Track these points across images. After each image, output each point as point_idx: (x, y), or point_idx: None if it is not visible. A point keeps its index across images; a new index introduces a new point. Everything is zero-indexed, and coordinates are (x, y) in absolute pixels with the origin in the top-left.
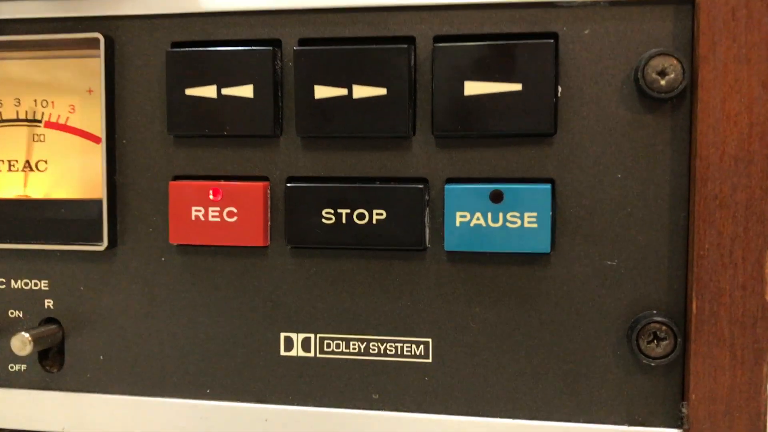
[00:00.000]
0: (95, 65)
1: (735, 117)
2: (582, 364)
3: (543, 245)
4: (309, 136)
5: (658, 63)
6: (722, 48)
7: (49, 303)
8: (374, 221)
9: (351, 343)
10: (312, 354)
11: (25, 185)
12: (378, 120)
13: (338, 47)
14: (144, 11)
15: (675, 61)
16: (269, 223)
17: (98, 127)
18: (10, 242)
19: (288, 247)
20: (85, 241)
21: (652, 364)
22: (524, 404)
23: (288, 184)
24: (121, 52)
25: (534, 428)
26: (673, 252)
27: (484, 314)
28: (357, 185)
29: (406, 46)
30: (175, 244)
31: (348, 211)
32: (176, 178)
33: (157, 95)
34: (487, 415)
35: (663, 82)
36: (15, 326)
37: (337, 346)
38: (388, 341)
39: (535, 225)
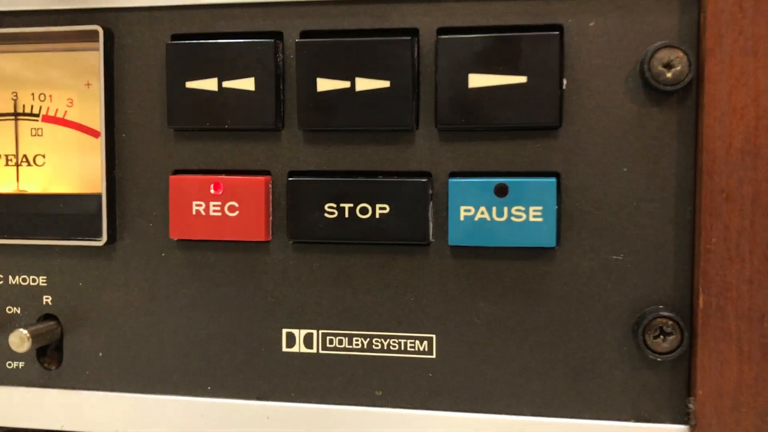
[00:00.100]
0: (94, 58)
1: (741, 110)
2: (587, 360)
3: (548, 239)
4: (311, 129)
5: (664, 55)
6: (729, 40)
7: (47, 299)
8: (377, 216)
9: (354, 339)
10: (314, 350)
11: (22, 180)
12: (381, 113)
13: (341, 39)
14: (144, 3)
15: (681, 54)
16: (271, 217)
17: (97, 121)
18: (8, 237)
19: (290, 242)
20: (84, 237)
21: (659, 360)
22: (529, 400)
23: (290, 178)
24: (121, 44)
25: (539, 425)
26: (679, 246)
27: (489, 309)
28: (360, 179)
29: (409, 38)
30: (176, 239)
31: (351, 205)
32: (176, 172)
33: (156, 88)
34: (492, 412)
35: (669, 75)
36: (13, 323)
37: (340, 342)
38: (391, 337)
39: (540, 219)
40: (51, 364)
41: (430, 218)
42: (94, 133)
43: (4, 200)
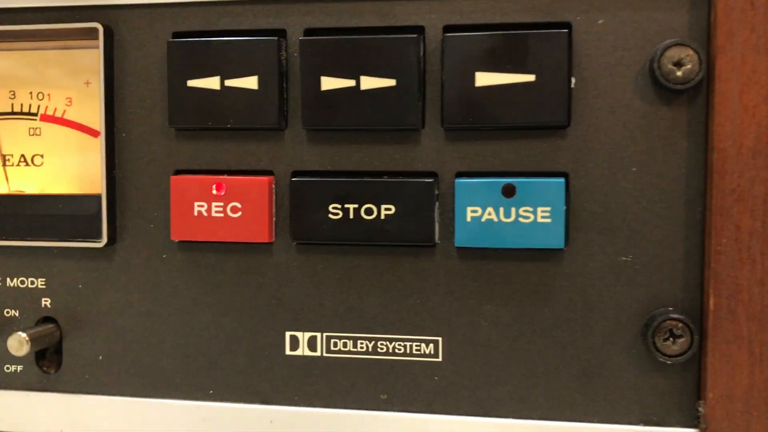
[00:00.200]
0: (93, 56)
1: (753, 109)
2: (596, 363)
3: (557, 240)
4: (315, 128)
5: (674, 53)
6: (740, 38)
7: (46, 302)
8: (382, 216)
9: (358, 342)
10: (318, 353)
11: (20, 180)
12: (386, 112)
13: (346, 37)
14: (144, 0)
15: (691, 52)
16: (274, 218)
17: (96, 121)
18: (6, 239)
19: (293, 244)
20: (84, 238)
21: (668, 362)
22: (537, 404)
23: (293, 179)
24: (121, 42)
25: (547, 428)
26: (689, 247)
27: (496, 312)
28: (365, 179)
29: (415, 35)
30: (177, 240)
31: (355, 206)
32: (178, 172)
33: (157, 87)
34: (499, 416)
35: (679, 73)
36: (11, 326)
37: (344, 345)
38: (396, 340)
39: (548, 220)
40: (50, 367)
41: (436, 219)
42: (94, 133)
43: (2, 201)
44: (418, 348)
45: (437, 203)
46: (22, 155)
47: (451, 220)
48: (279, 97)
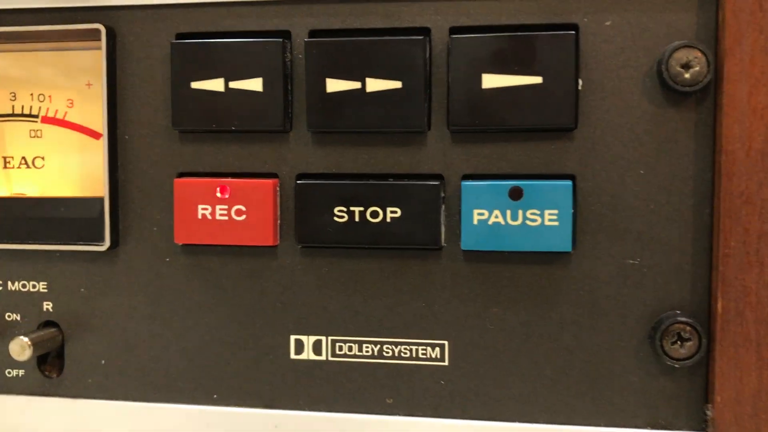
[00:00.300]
0: (95, 58)
1: (761, 111)
2: (603, 366)
3: (564, 244)
4: (320, 131)
5: (682, 55)
6: (749, 40)
7: (48, 305)
8: (388, 219)
9: (364, 345)
10: (323, 357)
11: (22, 183)
12: (392, 114)
13: (351, 39)
14: (147, 1)
15: (699, 54)
16: (279, 221)
17: (98, 123)
18: (7, 242)
19: (298, 247)
20: (86, 241)
21: (676, 366)
22: (544, 408)
23: (298, 181)
24: (123, 43)
25: None
26: (697, 250)
27: (503, 315)
28: (370, 182)
29: (421, 37)
30: (181, 243)
31: (361, 209)
32: (181, 175)
33: (160, 89)
34: (506, 420)
35: (687, 75)
36: (12, 330)
37: (350, 349)
38: (402, 344)
39: (556, 223)
40: (52, 371)
41: (443, 222)
42: (95, 135)
43: (3, 204)
44: (424, 352)
45: (443, 206)
46: (23, 157)
47: (457, 223)
48: (284, 99)
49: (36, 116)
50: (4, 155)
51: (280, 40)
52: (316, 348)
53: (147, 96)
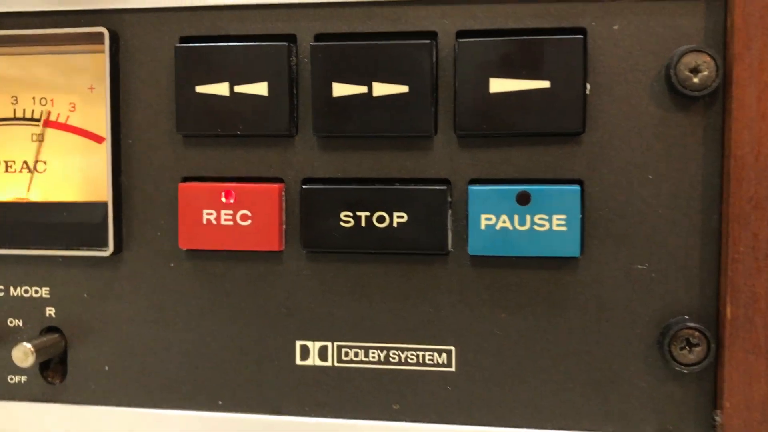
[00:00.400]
0: (98, 61)
1: None
2: (611, 372)
3: (572, 249)
4: (326, 135)
5: (691, 60)
6: (758, 44)
7: (50, 311)
8: (395, 224)
9: (370, 351)
10: (329, 363)
11: (24, 187)
12: (399, 119)
13: (357, 43)
14: (151, 4)
15: (708, 58)
16: (284, 226)
17: (100, 126)
18: (9, 247)
19: (304, 252)
20: (90, 246)
21: (685, 372)
22: (551, 414)
23: (304, 186)
24: (127, 47)
25: None
26: (705, 255)
27: (510, 321)
28: (376, 187)
29: (428, 41)
30: (185, 249)
31: (367, 213)
32: (186, 179)
33: (164, 93)
34: (513, 426)
35: (696, 80)
36: (15, 335)
37: (356, 354)
38: (409, 349)
39: (564, 228)
40: (54, 378)
41: (449, 227)
42: (98, 139)
43: (5, 209)
44: (431, 357)
45: (450, 211)
46: (25, 162)
47: (464, 228)
48: (289, 103)
49: (38, 120)
50: (6, 159)
51: (286, 44)
52: (322, 354)
53: (151, 100)
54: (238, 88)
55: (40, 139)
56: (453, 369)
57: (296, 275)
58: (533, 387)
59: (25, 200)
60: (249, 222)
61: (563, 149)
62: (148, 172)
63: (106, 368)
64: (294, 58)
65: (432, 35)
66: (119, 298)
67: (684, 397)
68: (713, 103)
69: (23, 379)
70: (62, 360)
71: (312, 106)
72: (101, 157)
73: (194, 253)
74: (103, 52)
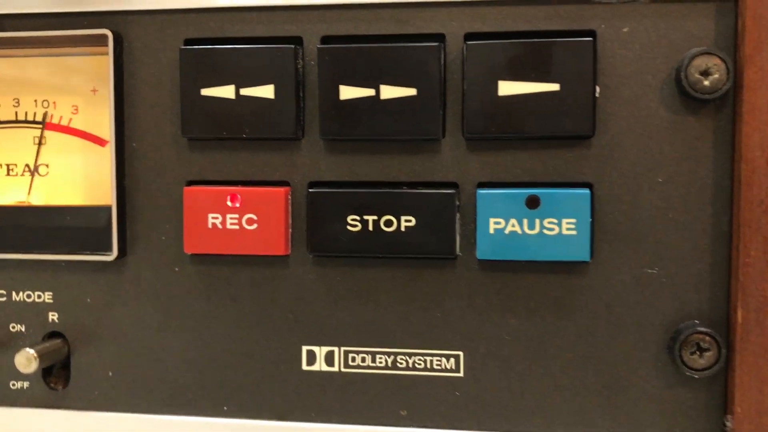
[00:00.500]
0: (101, 63)
1: None
2: (621, 377)
3: (582, 253)
4: (333, 138)
5: (702, 63)
6: None
7: (53, 316)
8: (402, 228)
9: (377, 356)
10: (336, 368)
11: (29, 191)
12: (407, 122)
13: (365, 45)
14: (155, 6)
15: (719, 61)
16: (290, 230)
17: (103, 129)
18: (12, 252)
19: (310, 256)
20: (93, 251)
21: (695, 376)
22: (560, 419)
23: (311, 190)
24: (131, 49)
25: None
26: (715, 259)
27: (519, 325)
28: (384, 190)
29: (436, 44)
30: (190, 253)
31: (375, 217)
32: (191, 183)
33: (169, 95)
34: (522, 431)
35: (706, 83)
36: (17, 341)
37: (363, 359)
38: (416, 354)
39: (573, 232)
40: (57, 383)
41: (457, 231)
42: (101, 142)
43: (7, 212)
44: (439, 363)
45: (458, 214)
46: (27, 165)
47: (472, 232)
48: (296, 106)
49: (40, 123)
50: (8, 162)
51: (292, 46)
52: (329, 359)
53: (155, 103)
54: (243, 91)
55: (42, 142)
56: (461, 374)
57: (302, 280)
58: (542, 392)
59: (27, 204)
60: (255, 226)
61: (573, 152)
62: (153, 176)
63: (110, 374)
64: (300, 61)
65: (440, 37)
66: (123, 302)
67: (694, 402)
68: (724, 106)
69: (25, 384)
70: (65, 365)
71: (319, 109)
72: (104, 160)
73: (199, 258)
74: (106, 54)
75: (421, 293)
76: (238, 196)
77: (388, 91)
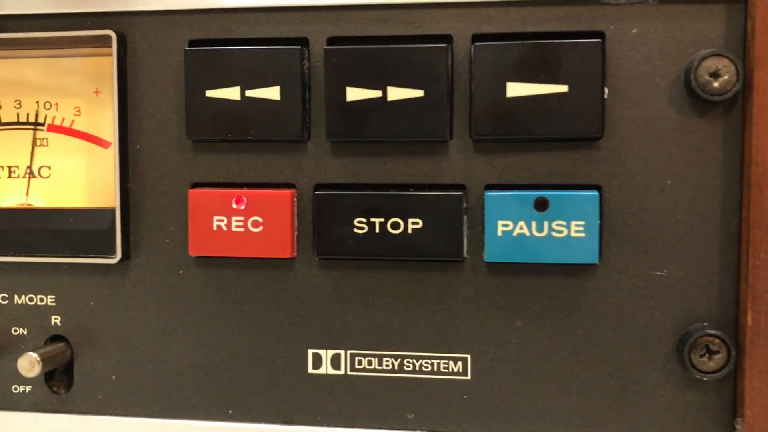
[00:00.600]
0: (103, 64)
1: None
2: (630, 380)
3: (591, 256)
4: (339, 140)
5: (711, 64)
6: None
7: (56, 319)
8: (409, 231)
9: (384, 359)
10: (342, 372)
11: (27, 193)
12: (414, 123)
13: (372, 47)
14: (159, 7)
15: (728, 62)
16: (296, 233)
17: (106, 131)
18: (13, 255)
19: (317, 259)
20: (97, 254)
21: (705, 379)
22: (569, 422)
23: (317, 192)
24: (135, 50)
25: None
26: (725, 261)
27: (527, 328)
28: (391, 193)
29: (444, 45)
30: (195, 256)
31: (381, 220)
32: (196, 185)
33: (173, 97)
34: None
35: (716, 84)
36: (19, 344)
37: (369, 363)
38: (423, 358)
39: (582, 234)
40: (60, 387)
41: (465, 233)
42: (104, 144)
43: (8, 215)
44: (446, 366)
45: (466, 217)
46: (29, 167)
47: (479, 235)
48: (302, 107)
49: (42, 124)
50: (9, 165)
51: (298, 47)
52: (335, 362)
53: (159, 104)
54: (249, 93)
55: (42, 143)
56: (468, 377)
57: (308, 282)
58: (550, 395)
59: (29, 206)
60: (260, 228)
61: (581, 154)
62: (157, 178)
63: (113, 378)
64: (306, 62)
65: (447, 39)
66: (127, 306)
67: (704, 405)
68: (733, 107)
69: (28, 388)
70: (68, 369)
71: (325, 110)
72: (107, 161)
73: (204, 260)
74: (109, 55)
75: (429, 296)
76: (244, 199)
77: (395, 93)
